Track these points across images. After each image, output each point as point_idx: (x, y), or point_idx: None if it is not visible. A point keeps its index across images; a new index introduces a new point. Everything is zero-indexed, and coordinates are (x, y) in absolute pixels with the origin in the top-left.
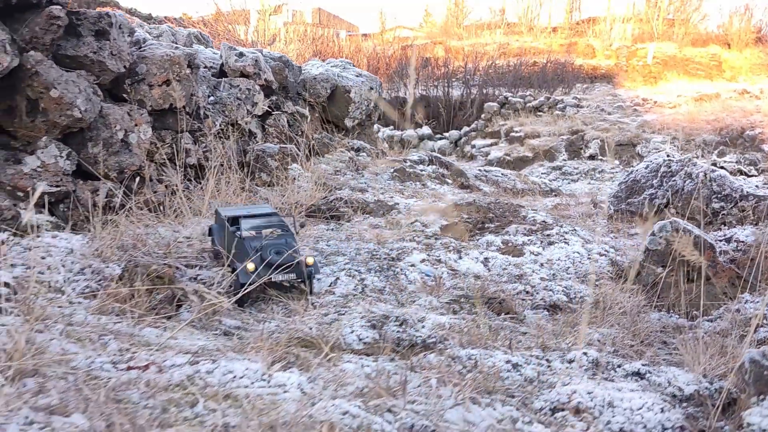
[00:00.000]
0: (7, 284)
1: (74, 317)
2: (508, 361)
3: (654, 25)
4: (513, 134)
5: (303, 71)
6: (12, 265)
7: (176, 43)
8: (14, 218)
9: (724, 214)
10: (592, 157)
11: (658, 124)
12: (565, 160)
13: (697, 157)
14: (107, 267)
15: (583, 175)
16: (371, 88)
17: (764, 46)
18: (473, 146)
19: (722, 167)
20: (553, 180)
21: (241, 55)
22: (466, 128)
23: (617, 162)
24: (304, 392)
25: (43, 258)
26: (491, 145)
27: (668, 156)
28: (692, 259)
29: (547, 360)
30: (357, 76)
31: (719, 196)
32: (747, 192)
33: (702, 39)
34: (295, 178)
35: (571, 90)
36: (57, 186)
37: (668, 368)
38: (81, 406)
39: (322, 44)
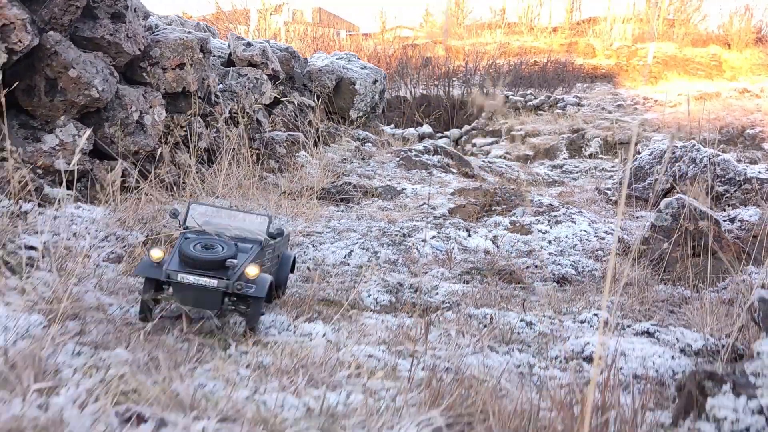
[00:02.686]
0: (35, 248)
1: (104, 276)
2: (522, 320)
3: (654, 25)
4: (514, 133)
5: (309, 63)
6: (39, 231)
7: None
8: (38, 190)
9: (727, 197)
10: (592, 156)
11: (658, 122)
12: (565, 158)
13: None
14: (130, 234)
15: (584, 173)
16: (376, 81)
17: (764, 46)
18: (474, 144)
19: None
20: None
21: (248, 44)
22: (466, 127)
23: (617, 160)
24: (329, 340)
25: (68, 226)
26: (492, 143)
27: (672, 143)
28: (703, 214)
29: (559, 320)
30: (362, 68)
31: (723, 179)
32: (750, 176)
33: (702, 39)
34: (303, 165)
35: (572, 89)
36: (77, 165)
37: (676, 328)
38: (123, 344)
39: (322, 43)
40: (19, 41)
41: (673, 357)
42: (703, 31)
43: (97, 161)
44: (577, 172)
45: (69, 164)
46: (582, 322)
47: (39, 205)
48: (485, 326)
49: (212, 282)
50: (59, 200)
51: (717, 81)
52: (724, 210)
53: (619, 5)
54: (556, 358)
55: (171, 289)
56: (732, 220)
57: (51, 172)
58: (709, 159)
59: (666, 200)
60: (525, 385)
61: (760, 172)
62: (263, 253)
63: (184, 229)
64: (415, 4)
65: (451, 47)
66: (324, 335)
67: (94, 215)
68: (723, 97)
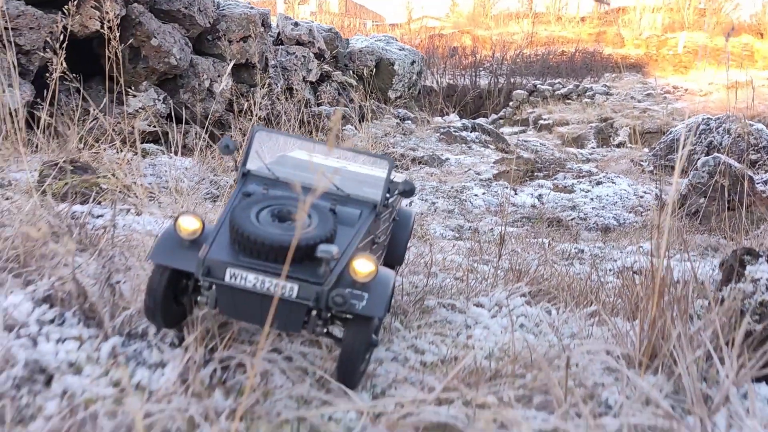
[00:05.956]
0: (144, 186)
1: (211, 207)
2: (575, 248)
3: (685, 14)
4: (541, 122)
5: (349, 44)
6: (143, 175)
7: None
8: (134, 143)
9: (760, 163)
10: (620, 145)
11: (688, 111)
12: (594, 147)
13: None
14: (221, 179)
15: (613, 163)
16: (413, 62)
17: None
18: (501, 133)
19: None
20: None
21: (296, 24)
22: (494, 116)
23: (646, 149)
24: (422, 254)
25: (166, 171)
26: (519, 132)
27: (706, 116)
28: (738, 170)
29: (608, 249)
30: (400, 50)
31: (756, 148)
32: None
33: (734, 28)
34: (350, 138)
35: (600, 79)
36: (155, 126)
37: (715, 259)
38: None
39: (349, 33)
40: (111, 11)
41: (713, 269)
42: (735, 21)
43: (172, 124)
44: (606, 161)
45: (149, 126)
46: (629, 252)
47: (135, 155)
48: (544, 248)
49: (290, 288)
50: (150, 153)
51: (749, 70)
52: (757, 173)
53: None
54: (610, 270)
55: (211, 290)
56: (765, 183)
57: (134, 132)
58: (743, 129)
59: (703, 159)
60: (587, 284)
61: None
62: (377, 225)
63: (244, 174)
64: None
65: (478, 37)
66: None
67: (185, 164)
68: (754, 86)
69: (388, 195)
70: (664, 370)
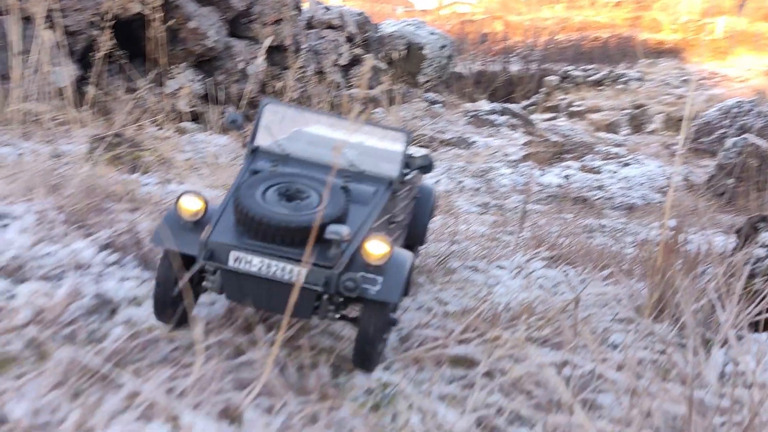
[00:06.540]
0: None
1: None
2: (598, 223)
3: None
4: (573, 108)
5: (380, 28)
6: (182, 150)
7: None
8: (174, 120)
9: None
10: (654, 132)
11: (725, 97)
12: (627, 134)
13: None
14: None
15: (644, 147)
16: (444, 46)
17: None
18: (531, 118)
19: None
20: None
21: (327, 9)
22: (524, 102)
23: (681, 136)
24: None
25: (204, 147)
26: (550, 119)
27: (740, 99)
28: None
29: (631, 226)
30: (430, 34)
31: None
32: None
33: None
34: (379, 121)
35: (635, 65)
36: (193, 107)
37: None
38: None
39: (380, 18)
40: None
41: (727, 239)
42: None
43: (209, 104)
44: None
45: (186, 106)
46: (651, 228)
47: (176, 131)
48: (569, 222)
49: (297, 273)
50: (188, 131)
51: None
52: None
53: None
54: (631, 242)
55: (216, 274)
56: None
57: (173, 111)
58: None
59: (731, 139)
60: (606, 251)
61: None
62: (394, 203)
63: (252, 150)
64: None
65: (510, 23)
66: (441, 219)
67: (221, 142)
68: None
69: (405, 170)
70: (671, 319)
